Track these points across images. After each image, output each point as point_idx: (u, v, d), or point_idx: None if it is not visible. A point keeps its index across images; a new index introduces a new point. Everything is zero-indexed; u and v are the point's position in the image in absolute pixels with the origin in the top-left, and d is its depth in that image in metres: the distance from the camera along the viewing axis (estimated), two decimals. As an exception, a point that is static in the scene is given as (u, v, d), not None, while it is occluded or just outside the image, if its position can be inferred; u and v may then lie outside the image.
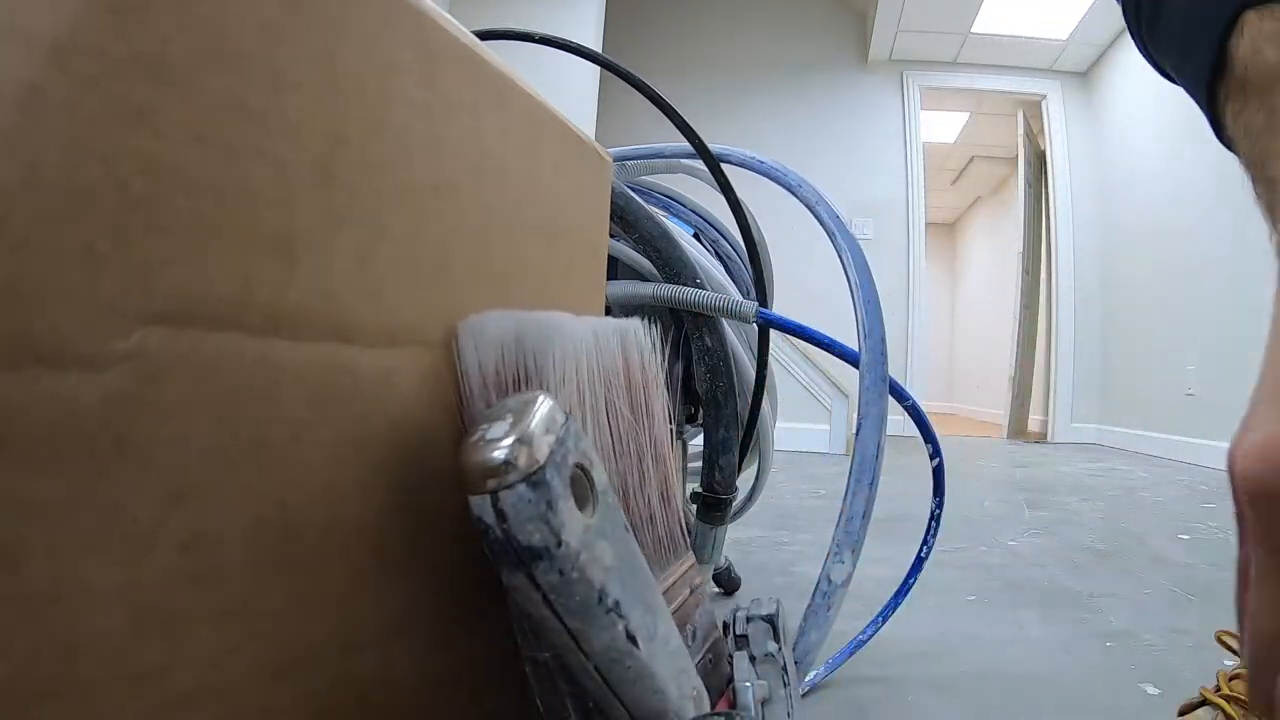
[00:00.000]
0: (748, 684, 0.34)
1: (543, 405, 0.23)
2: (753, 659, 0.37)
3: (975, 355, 5.84)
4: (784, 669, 0.37)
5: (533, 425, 0.22)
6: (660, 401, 0.33)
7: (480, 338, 0.27)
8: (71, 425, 0.15)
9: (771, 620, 0.38)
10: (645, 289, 0.57)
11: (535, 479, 0.22)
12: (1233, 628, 0.49)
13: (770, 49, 3.59)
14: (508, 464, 0.21)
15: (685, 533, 0.36)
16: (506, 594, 0.27)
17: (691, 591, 0.34)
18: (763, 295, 0.63)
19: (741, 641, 0.37)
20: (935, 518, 0.64)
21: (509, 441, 0.21)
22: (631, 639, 0.25)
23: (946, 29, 3.35)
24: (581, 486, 0.24)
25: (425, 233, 0.26)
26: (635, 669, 0.25)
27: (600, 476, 0.25)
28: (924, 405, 0.72)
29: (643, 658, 0.25)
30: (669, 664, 0.27)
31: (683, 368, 0.64)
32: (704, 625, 0.34)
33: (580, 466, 0.24)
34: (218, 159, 0.18)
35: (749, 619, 0.38)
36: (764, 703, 0.34)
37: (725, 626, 0.38)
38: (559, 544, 0.22)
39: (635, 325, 0.33)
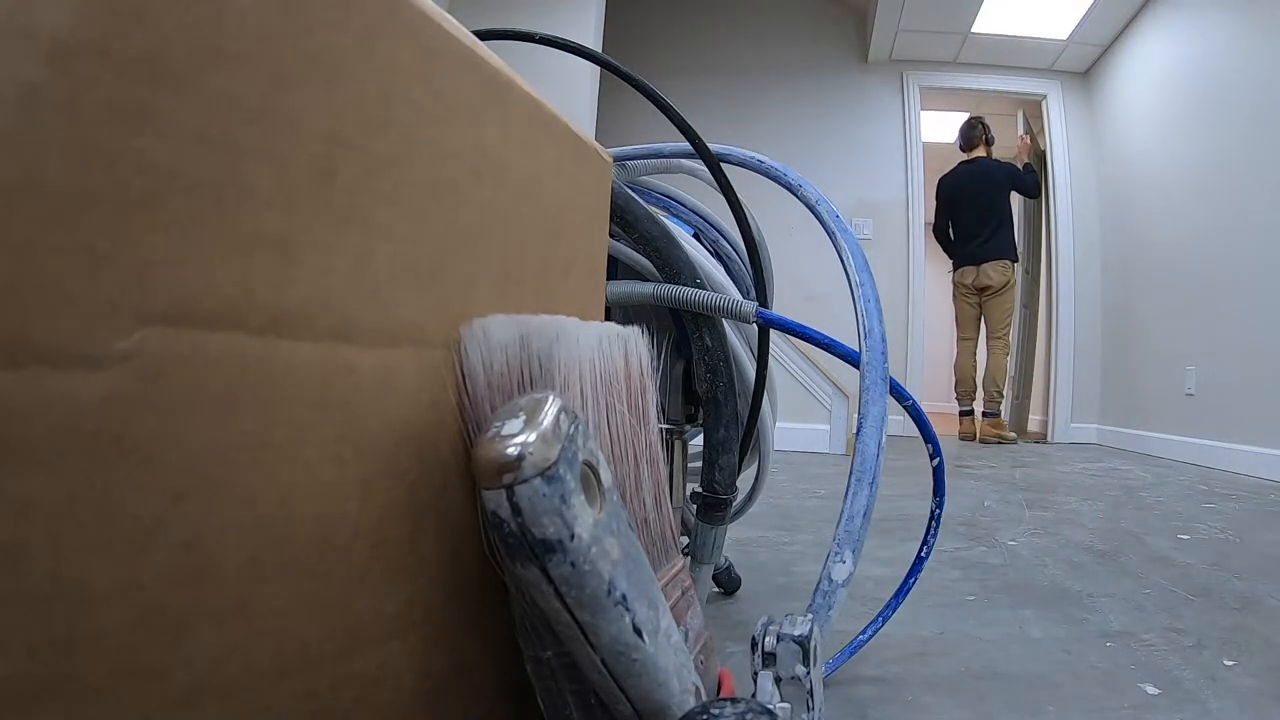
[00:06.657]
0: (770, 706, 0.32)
1: (554, 404, 0.23)
2: (778, 680, 0.35)
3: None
4: (810, 693, 0.35)
5: (546, 422, 0.23)
6: (654, 408, 0.34)
7: (485, 340, 0.27)
8: (71, 425, 0.15)
9: (803, 642, 0.35)
10: (645, 289, 0.57)
11: (549, 474, 0.22)
12: (1231, 628, 0.49)
13: (770, 49, 3.59)
14: (523, 459, 0.22)
15: (676, 536, 0.36)
16: (510, 591, 0.28)
17: (683, 593, 0.34)
18: (763, 295, 0.63)
19: (768, 660, 0.35)
20: (935, 518, 0.64)
21: (524, 438, 0.22)
22: (638, 632, 0.25)
23: (946, 29, 3.35)
24: (590, 484, 0.24)
25: (425, 233, 0.26)
26: (641, 662, 0.25)
27: (606, 475, 0.25)
28: (924, 405, 0.72)
29: (648, 650, 0.25)
30: (671, 658, 0.27)
31: (683, 368, 0.64)
32: (695, 626, 0.34)
33: (588, 464, 0.24)
34: (218, 159, 0.18)
35: (779, 638, 0.35)
36: None
37: (753, 642, 0.36)
38: (572, 537, 0.23)
39: (635, 332, 0.33)
